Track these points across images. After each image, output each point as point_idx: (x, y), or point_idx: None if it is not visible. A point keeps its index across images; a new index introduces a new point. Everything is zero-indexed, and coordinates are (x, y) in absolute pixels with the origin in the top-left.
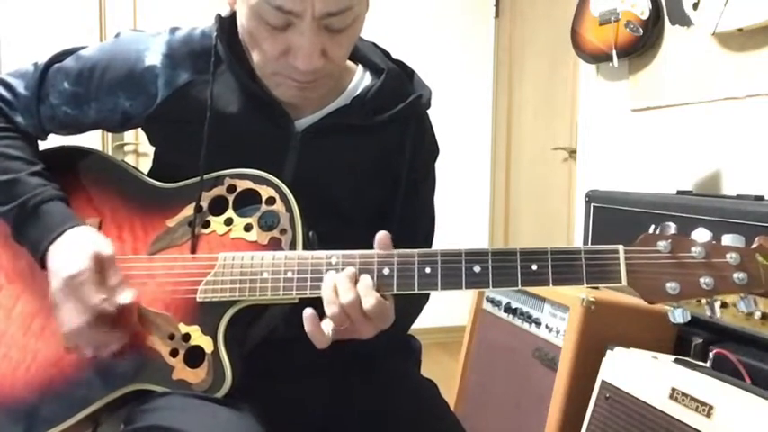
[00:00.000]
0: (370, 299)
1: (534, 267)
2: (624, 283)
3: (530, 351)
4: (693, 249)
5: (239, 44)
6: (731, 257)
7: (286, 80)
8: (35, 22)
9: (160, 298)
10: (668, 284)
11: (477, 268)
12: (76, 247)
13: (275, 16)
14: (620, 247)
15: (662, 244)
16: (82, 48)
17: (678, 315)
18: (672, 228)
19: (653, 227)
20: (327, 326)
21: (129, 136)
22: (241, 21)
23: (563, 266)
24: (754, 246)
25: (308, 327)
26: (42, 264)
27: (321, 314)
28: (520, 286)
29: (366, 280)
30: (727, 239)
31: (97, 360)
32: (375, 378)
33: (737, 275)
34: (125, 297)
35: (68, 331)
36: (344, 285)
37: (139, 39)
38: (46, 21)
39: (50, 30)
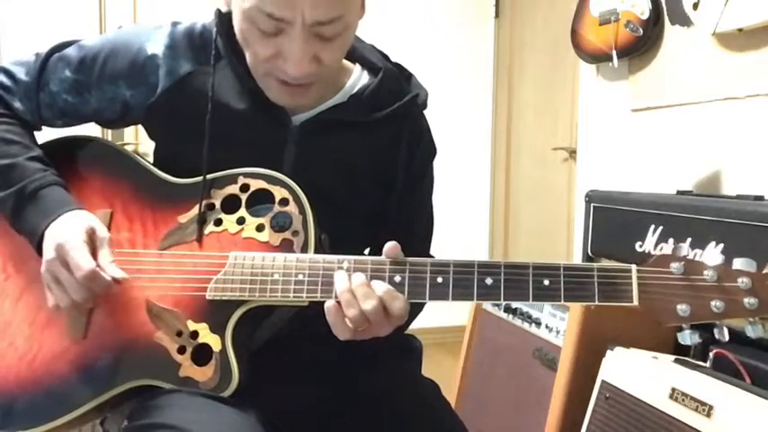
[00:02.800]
0: (398, 302)
1: (546, 282)
2: (636, 303)
3: (530, 351)
4: (705, 272)
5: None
6: (742, 282)
7: (278, 84)
8: (35, 19)
9: (169, 294)
10: (679, 306)
11: (488, 280)
12: (71, 223)
13: (266, 22)
14: (634, 267)
15: (675, 266)
16: (84, 39)
17: (686, 337)
18: (684, 249)
19: (650, 230)
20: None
21: (129, 135)
22: (235, 22)
23: (575, 283)
24: (765, 271)
25: (331, 317)
26: (39, 249)
27: (323, 317)
28: (531, 301)
29: (384, 286)
30: (738, 264)
31: (104, 354)
32: (378, 378)
33: (748, 300)
34: (116, 272)
35: (57, 304)
36: (363, 292)
37: (142, 30)
38: (46, 18)
39: (51, 26)
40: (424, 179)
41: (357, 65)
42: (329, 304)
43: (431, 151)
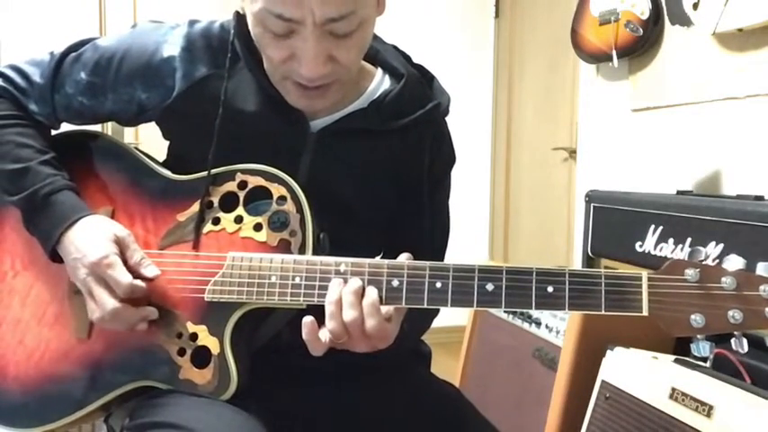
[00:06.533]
0: (372, 320)
1: (550, 290)
2: (645, 313)
3: (530, 351)
4: (723, 280)
5: None
6: (765, 290)
7: (295, 87)
8: (35, 21)
9: (169, 294)
10: (692, 317)
11: (489, 286)
12: (95, 232)
13: (277, 24)
14: (644, 275)
15: (689, 272)
16: (98, 38)
17: (700, 348)
18: (702, 253)
19: (650, 230)
20: (324, 334)
21: (129, 135)
22: (250, 26)
23: (581, 291)
24: None
25: (305, 334)
26: (53, 254)
27: (321, 321)
28: (534, 309)
29: (372, 296)
30: (762, 269)
31: (107, 354)
32: (389, 382)
33: None
34: (151, 270)
35: (101, 316)
36: (349, 300)
37: (158, 30)
38: (46, 20)
39: (50, 28)
40: (441, 186)
41: (379, 69)
42: (307, 320)
43: (450, 159)
